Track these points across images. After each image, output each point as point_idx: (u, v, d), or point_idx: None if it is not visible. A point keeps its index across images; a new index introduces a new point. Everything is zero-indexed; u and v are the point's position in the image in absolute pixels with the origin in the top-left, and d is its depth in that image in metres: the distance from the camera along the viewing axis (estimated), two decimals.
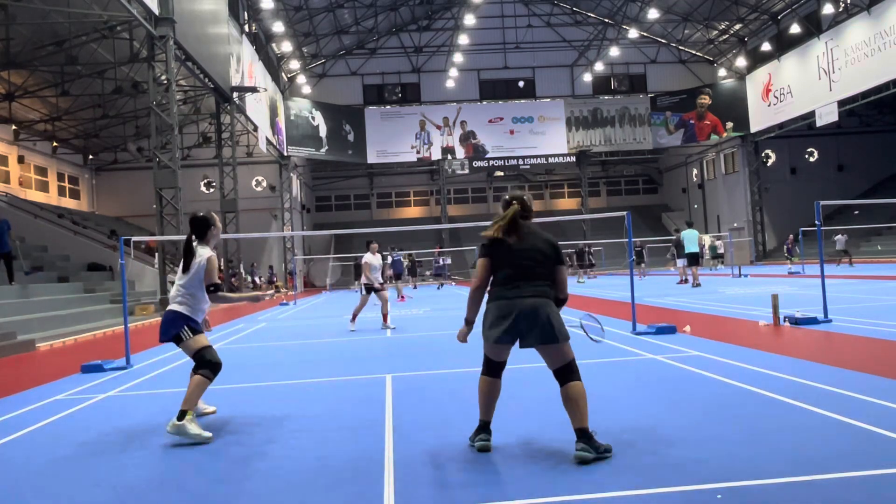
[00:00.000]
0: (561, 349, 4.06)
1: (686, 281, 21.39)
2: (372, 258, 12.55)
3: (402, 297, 23.53)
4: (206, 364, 4.99)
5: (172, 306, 5.15)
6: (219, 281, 5.16)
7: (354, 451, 4.32)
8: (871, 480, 3.28)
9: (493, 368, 4.26)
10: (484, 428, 4.21)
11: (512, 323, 4.04)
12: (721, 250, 36.17)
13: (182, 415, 4.68)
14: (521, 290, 4.09)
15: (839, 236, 29.57)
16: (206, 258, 5.13)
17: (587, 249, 32.07)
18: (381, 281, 12.76)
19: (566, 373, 4.08)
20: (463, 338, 4.37)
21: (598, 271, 35.58)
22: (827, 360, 6.45)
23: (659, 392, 5.57)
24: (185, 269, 5.15)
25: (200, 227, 5.26)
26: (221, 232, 5.43)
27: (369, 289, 12.63)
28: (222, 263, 31.96)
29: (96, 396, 6.85)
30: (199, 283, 5.13)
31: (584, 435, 3.93)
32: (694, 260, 20.63)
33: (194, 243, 5.22)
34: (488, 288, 4.25)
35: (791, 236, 30.86)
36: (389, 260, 26.01)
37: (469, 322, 4.31)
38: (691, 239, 20.55)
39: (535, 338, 4.04)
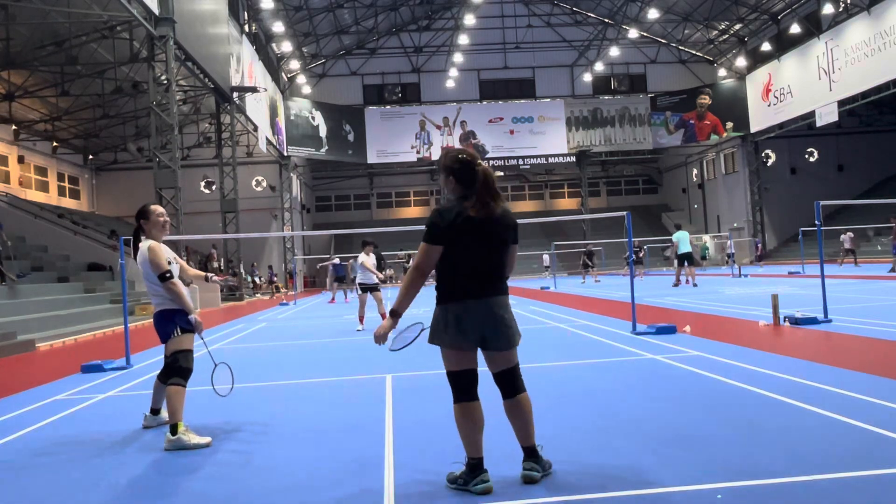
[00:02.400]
0: (513, 351, 3.60)
1: (679, 283, 21.39)
2: (366, 258, 12.75)
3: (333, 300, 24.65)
4: (177, 371, 4.90)
5: (157, 309, 5.08)
6: (167, 267, 4.97)
7: (354, 451, 4.32)
8: (871, 480, 3.28)
9: (465, 387, 3.48)
10: (478, 467, 3.42)
11: (480, 327, 3.46)
12: (711, 251, 35.98)
13: (174, 429, 4.64)
14: (490, 287, 3.52)
15: (845, 235, 29.41)
16: (145, 249, 5.01)
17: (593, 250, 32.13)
18: (375, 281, 12.95)
19: (512, 380, 3.56)
20: (384, 335, 3.54)
21: (598, 271, 35.63)
22: (827, 360, 6.45)
23: (659, 392, 5.57)
24: (135, 255, 5.14)
25: (137, 219, 5.17)
26: (164, 224, 5.19)
27: (365, 288, 12.80)
28: (222, 263, 31.98)
29: (96, 396, 6.85)
30: (155, 277, 5.03)
31: (532, 453, 3.55)
32: (688, 260, 20.74)
33: (141, 237, 5.15)
34: (436, 278, 3.58)
35: (758, 244, 30.24)
36: (331, 266, 26.01)
37: (397, 315, 3.51)
38: (683, 240, 20.66)
39: (503, 342, 3.51)
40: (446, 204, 3.55)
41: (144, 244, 5.06)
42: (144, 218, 5.14)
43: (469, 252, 3.47)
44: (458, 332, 3.45)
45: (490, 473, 3.45)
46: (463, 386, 3.49)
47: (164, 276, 4.95)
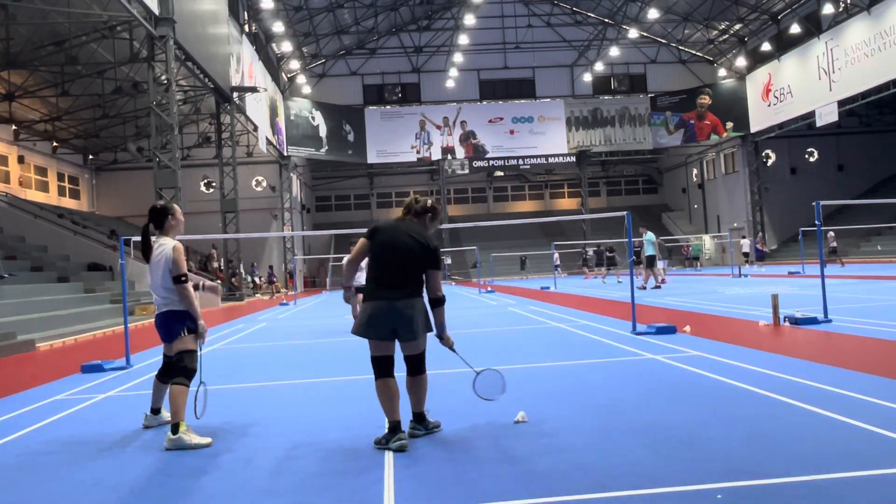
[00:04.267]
0: (417, 343, 4.49)
1: (665, 282, 22.09)
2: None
3: None
4: (182, 371, 4.90)
5: (164, 309, 5.01)
6: (186, 272, 4.97)
7: (354, 450, 4.32)
8: (871, 480, 3.28)
9: (382, 369, 4.46)
10: (395, 429, 4.33)
11: (386, 321, 4.38)
12: (711, 252, 36.01)
13: (175, 428, 4.64)
14: (394, 291, 4.41)
15: (829, 233, 29.33)
16: (171, 247, 4.98)
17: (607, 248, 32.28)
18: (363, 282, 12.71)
19: (415, 364, 4.55)
20: (348, 300, 4.92)
21: (597, 271, 35.64)
22: (827, 360, 6.45)
23: (659, 392, 5.57)
24: (147, 260, 5.06)
25: (158, 217, 5.12)
26: (183, 224, 5.27)
27: (357, 289, 12.56)
28: (222, 263, 31.98)
29: (96, 396, 6.85)
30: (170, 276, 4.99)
31: (418, 417, 4.55)
32: (651, 262, 21.16)
33: (153, 235, 5.12)
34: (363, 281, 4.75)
35: (760, 235, 30.11)
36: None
37: (348, 288, 4.89)
38: (651, 242, 20.98)
39: (405, 334, 4.42)
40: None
41: (169, 242, 5.03)
42: (171, 214, 5.14)
43: (382, 255, 4.48)
44: (368, 326, 4.41)
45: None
46: (380, 367, 4.46)
47: (180, 279, 4.93)
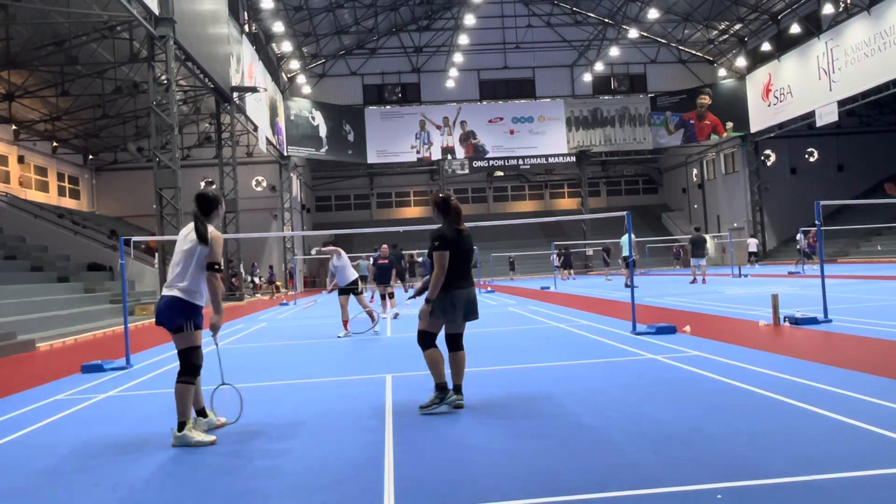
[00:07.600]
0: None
1: (695, 281, 22.60)
2: (337, 261, 12.06)
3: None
4: (188, 369, 4.81)
5: (174, 292, 4.82)
6: (220, 261, 4.88)
7: (354, 450, 4.32)
8: (871, 480, 3.28)
9: (435, 340, 5.39)
10: (444, 388, 5.29)
11: (469, 308, 5.38)
12: (711, 251, 36.09)
13: (182, 426, 4.64)
14: (469, 281, 5.46)
15: (799, 235, 29.00)
16: (211, 235, 4.85)
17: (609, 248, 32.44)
18: (351, 283, 12.06)
19: (457, 341, 5.46)
20: (427, 316, 5.32)
21: (598, 271, 35.72)
22: (827, 360, 6.45)
23: (659, 392, 5.57)
24: (203, 241, 4.82)
25: (209, 205, 4.98)
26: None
27: (342, 290, 12.09)
28: (222, 264, 31.98)
29: (96, 396, 6.85)
30: (201, 266, 4.84)
31: (459, 389, 5.38)
32: (625, 263, 21.43)
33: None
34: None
35: (812, 231, 29.52)
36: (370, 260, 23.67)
37: (431, 301, 5.33)
38: (625, 244, 21.19)
39: (474, 316, 5.45)
40: (443, 227, 5.43)
41: (208, 230, 4.88)
42: (220, 204, 5.06)
43: (457, 257, 5.33)
44: (454, 309, 5.32)
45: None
46: (434, 339, 5.39)
47: (214, 267, 4.81)
